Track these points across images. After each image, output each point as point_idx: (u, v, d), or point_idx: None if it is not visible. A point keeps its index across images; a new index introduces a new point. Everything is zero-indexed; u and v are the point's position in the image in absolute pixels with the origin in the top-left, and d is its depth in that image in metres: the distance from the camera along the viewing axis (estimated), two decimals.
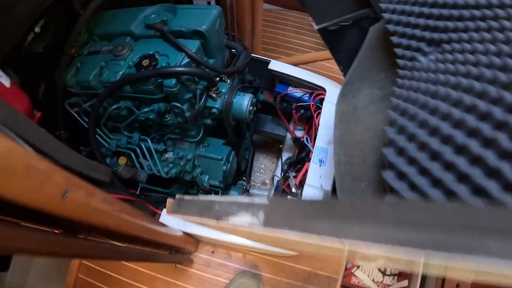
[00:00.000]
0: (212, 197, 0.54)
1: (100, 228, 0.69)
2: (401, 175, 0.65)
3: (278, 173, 1.56)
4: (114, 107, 1.08)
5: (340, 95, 1.18)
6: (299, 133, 1.54)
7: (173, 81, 1.00)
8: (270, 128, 1.55)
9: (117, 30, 1.18)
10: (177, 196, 0.75)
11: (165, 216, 1.13)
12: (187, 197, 0.75)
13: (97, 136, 1.18)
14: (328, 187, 1.19)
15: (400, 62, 0.87)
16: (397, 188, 0.64)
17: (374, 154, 0.94)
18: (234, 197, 0.59)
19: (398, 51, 0.89)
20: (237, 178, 1.42)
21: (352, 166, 0.97)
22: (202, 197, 0.60)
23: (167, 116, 1.13)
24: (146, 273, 1.42)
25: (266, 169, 1.67)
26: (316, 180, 1.20)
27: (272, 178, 1.60)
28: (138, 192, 1.32)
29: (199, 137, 1.20)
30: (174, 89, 1.01)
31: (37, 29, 1.06)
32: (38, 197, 0.44)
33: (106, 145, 1.19)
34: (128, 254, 0.95)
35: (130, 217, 0.85)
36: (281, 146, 1.60)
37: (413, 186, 0.61)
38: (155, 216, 1.16)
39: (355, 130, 1.04)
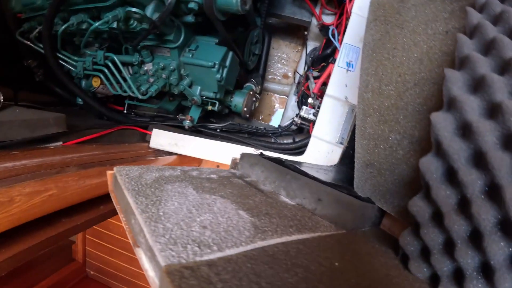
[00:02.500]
0: (136, 194, 0.43)
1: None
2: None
3: (302, 67, 1.19)
4: (64, 26, 0.81)
5: None
6: (328, 19, 1.07)
7: None
8: (290, 11, 1.10)
9: None
10: (115, 169, 0.55)
11: (155, 140, 0.92)
12: (123, 173, 0.54)
13: (61, 61, 0.92)
14: (356, 101, 0.84)
15: None
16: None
17: (420, 92, 0.56)
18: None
19: None
20: (246, 77, 1.09)
21: (382, 100, 0.61)
22: (127, 191, 0.45)
23: (132, 22, 0.78)
24: None
25: (288, 59, 1.28)
26: (341, 89, 0.85)
27: (294, 73, 1.23)
28: (125, 110, 1.09)
29: (181, 40, 0.85)
30: None
31: None
32: None
33: (74, 69, 0.93)
34: None
35: (83, 184, 0.69)
36: (306, 33, 1.16)
37: None
38: (146, 138, 0.96)
39: (396, 39, 0.63)
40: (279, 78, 1.30)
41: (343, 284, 0.32)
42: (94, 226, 1.45)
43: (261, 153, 0.65)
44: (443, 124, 0.39)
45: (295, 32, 1.27)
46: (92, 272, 1.56)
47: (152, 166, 0.58)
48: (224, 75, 0.87)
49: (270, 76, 1.26)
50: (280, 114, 1.27)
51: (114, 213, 0.78)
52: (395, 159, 0.55)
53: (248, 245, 0.34)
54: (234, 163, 0.66)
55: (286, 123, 1.09)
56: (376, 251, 0.45)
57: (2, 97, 0.87)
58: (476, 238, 0.36)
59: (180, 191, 0.47)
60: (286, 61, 1.28)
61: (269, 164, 0.59)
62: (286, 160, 0.60)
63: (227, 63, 0.88)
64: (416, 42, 0.61)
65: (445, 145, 0.39)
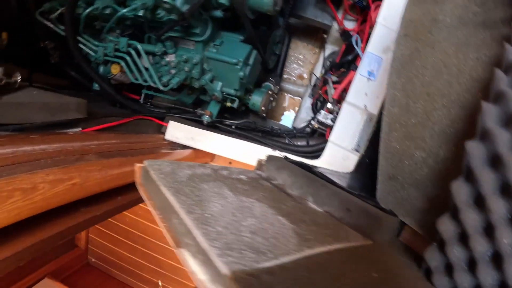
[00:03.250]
0: (177, 193, 0.44)
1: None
2: None
3: (319, 69, 1.21)
4: (89, 9, 0.82)
5: None
6: (349, 25, 1.10)
7: None
8: (312, 13, 1.12)
9: None
10: (146, 162, 0.56)
11: (171, 132, 0.94)
12: (155, 167, 0.56)
13: (80, 45, 0.92)
14: (374, 110, 0.87)
15: None
16: None
17: (447, 114, 0.59)
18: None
19: None
20: (264, 76, 1.11)
21: (409, 116, 0.64)
22: (164, 188, 0.45)
23: (159, 12, 0.79)
24: None
25: (305, 61, 1.30)
26: (361, 98, 0.88)
27: (310, 75, 1.26)
28: (142, 100, 1.10)
29: (207, 34, 0.87)
30: None
31: None
32: None
33: (93, 54, 0.93)
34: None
35: (105, 174, 0.70)
36: (325, 35, 1.18)
37: None
38: (161, 129, 0.97)
39: (427, 58, 0.66)
40: (294, 78, 1.32)
41: None
42: None
43: (286, 156, 0.68)
44: (475, 153, 0.43)
45: (313, 34, 1.29)
46: (93, 260, 1.57)
47: (182, 162, 0.60)
48: (247, 73, 0.89)
49: (285, 76, 1.29)
50: (290, 115, 1.30)
51: (131, 205, 0.79)
52: (420, 175, 0.58)
53: (298, 253, 0.37)
54: (260, 164, 0.69)
55: (301, 125, 1.11)
56: (402, 263, 0.49)
57: (19, 77, 0.87)
58: (497, 259, 0.40)
59: (217, 192, 0.49)
60: (302, 62, 1.31)
61: (297, 169, 0.62)
62: (312, 166, 0.63)
63: (251, 61, 0.90)
64: (446, 64, 0.64)
65: (476, 173, 0.42)
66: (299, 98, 1.28)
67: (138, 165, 0.58)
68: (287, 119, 1.30)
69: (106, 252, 1.51)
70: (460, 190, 0.44)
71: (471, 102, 0.59)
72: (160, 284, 1.47)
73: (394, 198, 0.60)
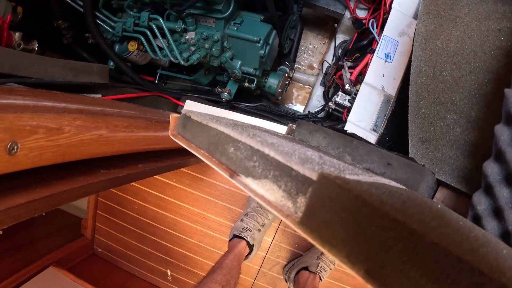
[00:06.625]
0: (228, 127, 0.43)
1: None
2: None
3: (329, 57, 1.26)
4: None
5: None
6: (361, 14, 1.15)
7: None
8: (324, 2, 1.17)
9: None
10: (184, 110, 0.58)
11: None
12: (196, 113, 0.56)
13: (98, 21, 0.93)
14: (391, 91, 0.92)
15: None
16: None
17: (475, 79, 0.64)
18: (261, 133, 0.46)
19: None
20: (279, 61, 1.15)
21: (437, 84, 0.69)
22: (215, 124, 0.45)
23: None
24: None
25: (315, 51, 1.35)
26: (378, 79, 0.92)
27: (321, 63, 1.30)
28: (156, 80, 1.12)
29: (229, 12, 0.89)
30: None
31: None
32: None
33: (111, 30, 0.94)
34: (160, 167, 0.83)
35: (131, 133, 0.69)
36: (336, 25, 1.24)
37: None
38: (177, 109, 0.99)
39: (450, 32, 0.72)
40: (304, 68, 1.36)
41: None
42: (105, 201, 1.44)
43: (314, 122, 0.71)
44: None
45: (323, 24, 1.34)
46: (99, 250, 1.53)
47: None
48: (266, 52, 0.92)
49: (296, 66, 1.33)
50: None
51: (152, 173, 0.79)
52: (453, 135, 0.62)
53: (372, 178, 0.38)
54: (291, 130, 0.71)
55: (316, 109, 1.15)
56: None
57: (37, 45, 0.87)
58: None
59: (266, 135, 0.49)
60: (312, 52, 1.35)
61: (330, 131, 0.64)
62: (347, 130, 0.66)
63: (270, 41, 0.93)
64: (470, 36, 0.69)
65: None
66: (309, 87, 1.32)
67: (174, 115, 0.58)
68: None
69: (113, 241, 1.48)
70: (503, 133, 0.48)
71: (497, 67, 0.64)
72: (169, 273, 1.44)
73: (428, 159, 0.63)
